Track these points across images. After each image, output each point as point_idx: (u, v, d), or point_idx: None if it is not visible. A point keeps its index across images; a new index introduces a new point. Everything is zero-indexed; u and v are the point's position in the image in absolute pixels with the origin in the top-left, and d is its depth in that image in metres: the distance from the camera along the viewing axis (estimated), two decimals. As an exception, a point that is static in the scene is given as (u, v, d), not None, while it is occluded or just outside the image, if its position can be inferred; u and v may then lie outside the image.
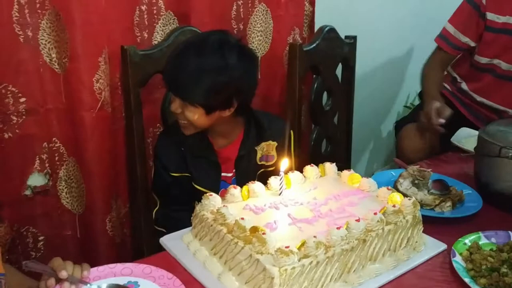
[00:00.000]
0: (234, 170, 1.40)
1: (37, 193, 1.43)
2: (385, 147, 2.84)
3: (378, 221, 0.98)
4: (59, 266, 0.89)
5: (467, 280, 0.97)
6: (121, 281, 0.95)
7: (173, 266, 1.00)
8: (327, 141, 2.00)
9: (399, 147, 1.90)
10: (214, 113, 1.24)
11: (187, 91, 1.22)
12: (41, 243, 1.47)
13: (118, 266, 0.98)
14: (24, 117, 1.35)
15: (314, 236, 0.89)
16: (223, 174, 1.39)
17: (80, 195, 1.49)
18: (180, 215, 1.25)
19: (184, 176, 1.38)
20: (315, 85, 1.85)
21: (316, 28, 1.91)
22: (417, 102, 2.81)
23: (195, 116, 1.23)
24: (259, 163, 1.41)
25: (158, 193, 1.42)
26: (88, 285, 0.90)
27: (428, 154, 1.77)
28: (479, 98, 1.91)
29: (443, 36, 1.88)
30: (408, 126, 1.90)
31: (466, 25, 1.81)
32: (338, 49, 1.91)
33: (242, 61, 1.23)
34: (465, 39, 1.82)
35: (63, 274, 0.87)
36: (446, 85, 2.04)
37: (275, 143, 1.41)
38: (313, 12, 1.94)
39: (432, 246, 1.10)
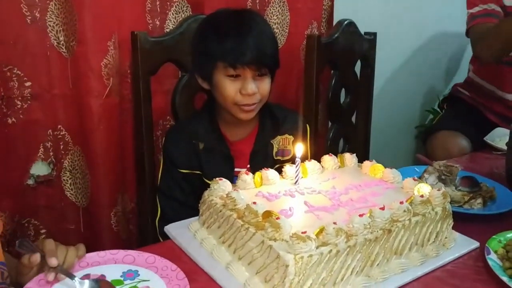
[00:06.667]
0: (248, 165, 1.32)
1: (40, 183, 1.37)
2: (403, 151, 2.74)
3: (404, 211, 0.89)
4: (49, 251, 0.80)
5: (505, 279, 0.87)
6: (121, 268, 0.86)
7: (178, 256, 0.92)
8: (344, 141, 1.91)
9: (431, 155, 1.79)
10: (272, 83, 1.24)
11: (270, 55, 1.18)
12: (43, 236, 1.40)
13: (121, 253, 0.90)
14: (29, 102, 1.30)
15: (334, 223, 0.80)
16: (236, 169, 1.31)
17: (84, 187, 1.42)
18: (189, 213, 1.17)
19: (194, 174, 1.30)
20: (333, 81, 1.77)
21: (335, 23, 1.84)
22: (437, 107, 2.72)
23: (268, 88, 1.21)
24: (275, 158, 1.33)
25: (165, 193, 1.33)
26: (74, 280, 0.80)
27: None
28: (502, 94, 1.83)
29: (476, 16, 1.75)
30: (440, 133, 1.82)
31: None
32: (357, 45, 1.84)
33: None
34: (493, 6, 1.72)
35: (53, 262, 0.77)
36: (463, 90, 1.97)
37: (291, 137, 1.33)
38: (332, 6, 1.88)
39: (463, 243, 1.00)
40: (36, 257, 0.78)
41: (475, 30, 1.73)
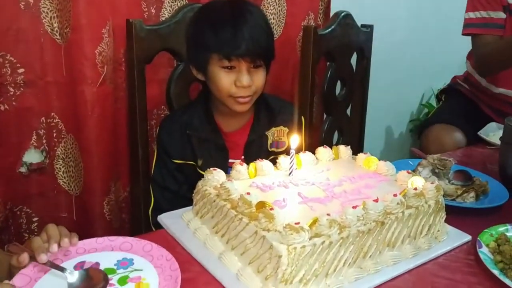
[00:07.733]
0: (242, 156, 1.32)
1: (33, 171, 1.36)
2: (397, 144, 2.75)
3: (398, 204, 0.89)
4: (37, 248, 0.79)
5: (496, 272, 0.88)
6: (117, 256, 0.86)
7: (172, 245, 0.91)
8: (339, 133, 1.91)
9: (425, 148, 1.78)
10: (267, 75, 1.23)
11: (265, 47, 1.17)
12: (35, 224, 1.40)
13: (119, 240, 0.90)
14: (22, 89, 1.29)
15: (328, 214, 0.80)
16: (231, 160, 1.31)
17: (77, 175, 1.42)
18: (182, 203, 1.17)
19: (188, 164, 1.29)
20: (329, 73, 1.77)
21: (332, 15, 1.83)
22: (433, 101, 2.73)
23: (263, 80, 1.20)
24: (270, 149, 1.32)
25: (158, 183, 1.33)
26: (66, 273, 0.79)
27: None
28: (496, 90, 1.83)
29: (476, 25, 1.74)
30: (435, 126, 1.82)
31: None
32: (354, 37, 1.83)
33: None
34: (492, 15, 1.71)
35: (43, 258, 0.77)
36: (462, 83, 1.98)
37: (286, 129, 1.33)
38: (329, -3, 1.87)
39: (455, 236, 1.01)
40: (24, 257, 0.77)
41: (478, 45, 1.73)
